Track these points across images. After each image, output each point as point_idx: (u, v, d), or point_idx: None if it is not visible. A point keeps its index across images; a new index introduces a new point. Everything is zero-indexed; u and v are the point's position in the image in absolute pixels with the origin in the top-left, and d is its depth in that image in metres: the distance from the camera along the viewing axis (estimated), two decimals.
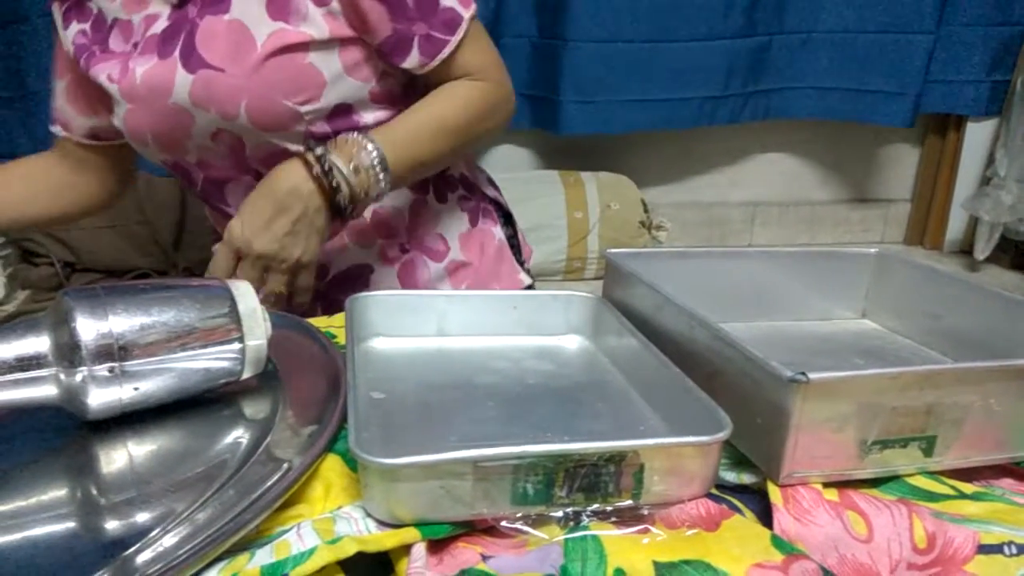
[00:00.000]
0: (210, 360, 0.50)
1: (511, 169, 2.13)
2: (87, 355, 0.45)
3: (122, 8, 0.79)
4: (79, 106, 0.87)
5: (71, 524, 0.41)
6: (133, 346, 0.46)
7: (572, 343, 0.63)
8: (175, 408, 0.50)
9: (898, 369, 0.45)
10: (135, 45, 0.78)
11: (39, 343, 0.46)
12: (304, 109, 0.75)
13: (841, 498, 0.43)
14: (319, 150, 0.72)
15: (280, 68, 0.73)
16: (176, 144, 0.79)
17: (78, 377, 0.45)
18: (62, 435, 0.49)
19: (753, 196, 2.27)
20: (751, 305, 0.71)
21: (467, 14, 0.77)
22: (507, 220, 0.99)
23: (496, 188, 1.00)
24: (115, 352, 0.46)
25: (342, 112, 0.77)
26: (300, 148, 0.77)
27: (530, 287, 0.97)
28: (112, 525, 0.40)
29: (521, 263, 0.98)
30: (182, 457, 0.46)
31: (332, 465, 0.43)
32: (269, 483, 0.40)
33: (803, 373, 0.41)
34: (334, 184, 0.71)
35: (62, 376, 0.45)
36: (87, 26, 0.82)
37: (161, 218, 1.64)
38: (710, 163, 2.22)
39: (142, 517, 0.40)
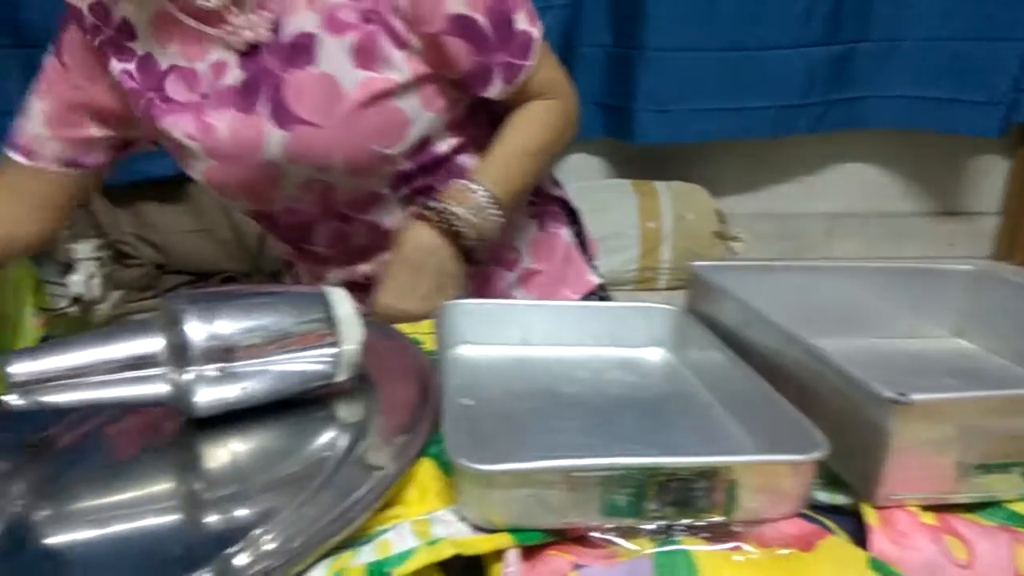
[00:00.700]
0: (307, 363, 0.52)
1: (583, 178, 2.12)
2: (196, 356, 0.47)
3: (180, 55, 0.77)
4: (61, 131, 0.82)
5: (177, 517, 0.43)
6: (238, 348, 0.48)
7: (654, 355, 0.63)
8: (273, 408, 0.52)
9: (1003, 392, 0.43)
10: (203, 96, 0.77)
11: (152, 344, 0.48)
12: (392, 152, 0.77)
13: (939, 522, 0.42)
14: (433, 204, 0.75)
15: (371, 117, 0.74)
16: (264, 195, 0.81)
17: (188, 376, 0.47)
18: (169, 431, 0.51)
19: (833, 207, 2.21)
20: (838, 321, 0.69)
21: (538, 35, 0.78)
22: (573, 217, 0.99)
23: (559, 185, 1.00)
24: (222, 353, 0.48)
25: (422, 146, 0.79)
26: (387, 189, 0.80)
27: (601, 287, 0.98)
28: (215, 520, 0.42)
29: (589, 260, 0.99)
30: (281, 455, 0.48)
31: (426, 469, 0.45)
32: (368, 484, 0.41)
33: (903, 394, 0.40)
34: (459, 231, 0.74)
35: (173, 375, 0.48)
36: (132, 67, 0.79)
37: (247, 223, 1.70)
38: (787, 173, 2.18)
39: (245, 512, 0.42)
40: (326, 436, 0.50)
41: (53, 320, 1.50)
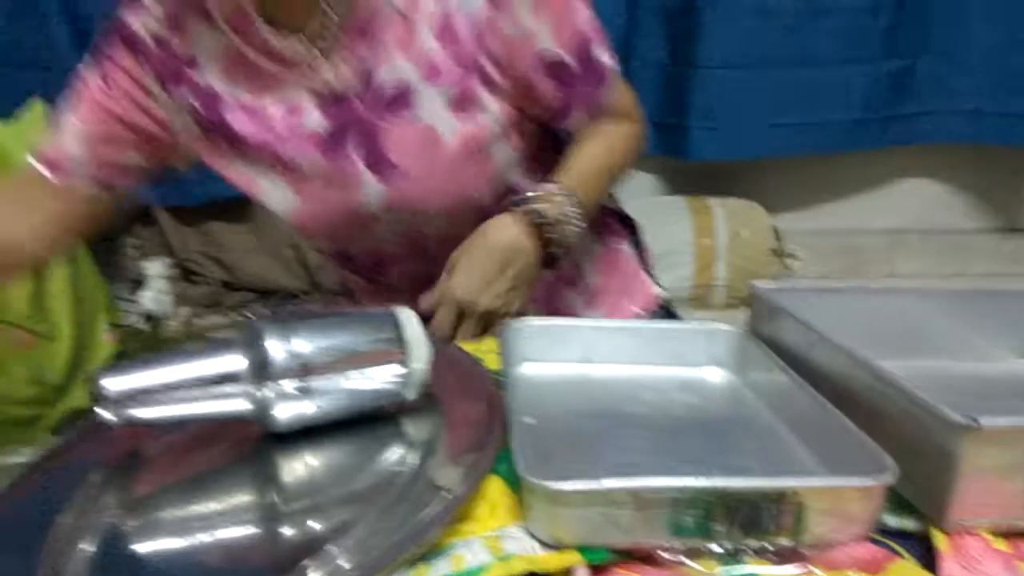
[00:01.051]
0: (378, 381, 0.53)
1: (637, 195, 2.12)
2: (276, 373, 0.49)
3: (244, 90, 0.76)
4: (98, 152, 0.77)
5: (257, 529, 0.45)
6: (314, 366, 0.50)
7: (716, 376, 0.64)
8: (345, 425, 0.54)
9: None
10: (279, 136, 0.76)
11: (235, 362, 0.50)
12: (484, 194, 0.78)
13: (1012, 548, 0.42)
14: (526, 206, 0.74)
15: (469, 165, 0.76)
16: (350, 237, 0.82)
17: (269, 393, 0.49)
18: (249, 445, 0.53)
19: (894, 224, 2.16)
20: (902, 343, 0.68)
21: (614, 64, 0.78)
22: (631, 230, 0.99)
23: (615, 199, 0.99)
24: (299, 370, 0.50)
25: (505, 189, 0.81)
26: (470, 227, 0.77)
27: (666, 300, 0.97)
28: (293, 533, 0.44)
29: (651, 273, 0.99)
30: (354, 472, 0.50)
31: (495, 485, 0.46)
32: (440, 501, 0.43)
33: (974, 418, 0.40)
34: (549, 236, 0.74)
35: (255, 392, 0.50)
36: (194, 99, 0.77)
37: (306, 243, 1.75)
38: (846, 189, 2.15)
39: (321, 526, 0.44)
40: (397, 453, 0.51)
41: (125, 335, 1.56)
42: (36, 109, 1.39)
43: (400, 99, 0.73)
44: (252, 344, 0.50)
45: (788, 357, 0.58)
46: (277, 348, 0.50)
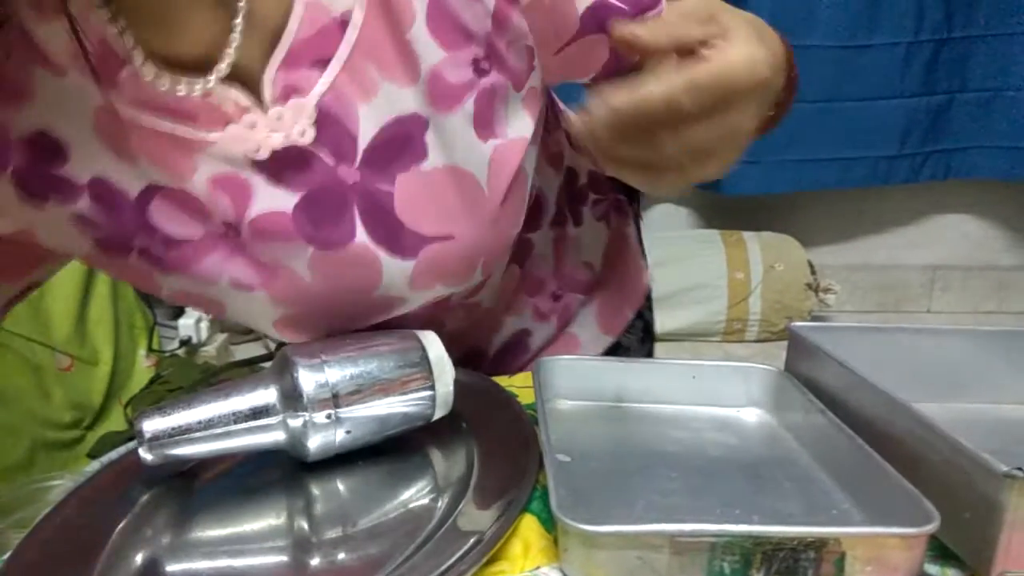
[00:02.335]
0: (407, 404, 0.55)
1: (670, 228, 2.12)
2: (308, 403, 0.51)
3: (156, 170, 0.51)
4: None
5: (286, 558, 0.46)
6: (345, 394, 0.52)
7: (752, 416, 0.63)
8: (378, 455, 0.55)
9: None
10: (228, 228, 0.53)
11: (268, 395, 0.52)
12: (521, 224, 0.60)
13: None
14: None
15: (512, 198, 0.55)
16: (361, 323, 0.61)
17: (300, 423, 0.51)
18: (284, 471, 0.54)
19: (933, 259, 2.13)
20: (944, 385, 0.68)
21: None
22: (630, 195, 0.83)
23: None
24: (331, 400, 0.51)
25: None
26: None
27: (647, 288, 0.86)
28: (323, 564, 0.45)
29: (644, 253, 0.85)
30: (387, 509, 0.50)
31: (529, 524, 0.46)
32: (474, 539, 0.43)
33: (1020, 468, 0.39)
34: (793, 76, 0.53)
35: (288, 423, 0.51)
36: (81, 206, 0.51)
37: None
38: (884, 224, 2.12)
39: (355, 563, 0.44)
40: (431, 489, 0.52)
41: (163, 361, 1.59)
42: None
43: (405, 142, 0.52)
44: (284, 376, 0.52)
45: (826, 398, 0.57)
46: (309, 380, 0.51)
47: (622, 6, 0.53)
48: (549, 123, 0.64)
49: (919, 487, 0.43)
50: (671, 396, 0.64)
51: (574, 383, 0.65)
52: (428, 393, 0.55)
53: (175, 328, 1.61)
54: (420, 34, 0.49)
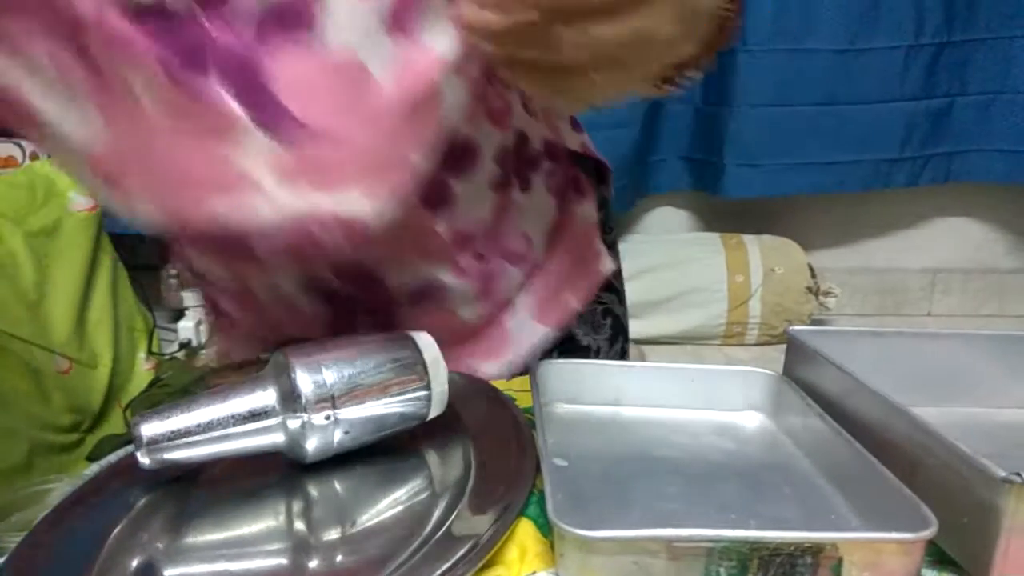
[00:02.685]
0: (402, 405, 0.55)
1: (670, 231, 2.12)
2: (307, 404, 0.51)
3: None
4: None
5: (283, 561, 0.46)
6: (342, 395, 0.52)
7: (751, 421, 0.63)
8: (375, 455, 0.55)
9: None
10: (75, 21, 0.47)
11: (266, 397, 0.52)
12: (419, 162, 0.52)
13: None
14: None
15: (422, 120, 0.51)
16: (177, 191, 0.52)
17: (299, 425, 0.51)
18: (278, 477, 0.54)
19: (933, 262, 2.13)
20: (943, 389, 0.68)
21: None
22: (599, 175, 0.78)
23: (581, 130, 0.76)
24: (329, 401, 0.51)
25: None
26: None
27: (615, 275, 0.80)
28: (318, 568, 0.45)
29: (607, 239, 0.79)
30: (383, 511, 0.50)
31: (525, 529, 0.46)
32: (469, 544, 0.43)
33: (1018, 473, 0.39)
34: None
35: (286, 425, 0.51)
36: None
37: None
38: (884, 227, 2.12)
39: (350, 564, 0.44)
40: (427, 495, 0.51)
41: (162, 364, 1.58)
42: None
43: (289, 12, 0.46)
44: (281, 378, 0.52)
45: (825, 402, 0.57)
46: (306, 381, 0.51)
47: None
48: (493, 78, 0.59)
49: (917, 492, 0.43)
50: (670, 400, 0.64)
51: (572, 386, 0.65)
52: (423, 393, 0.55)
53: (175, 331, 1.61)
54: None
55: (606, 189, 0.79)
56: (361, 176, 0.49)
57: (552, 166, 0.71)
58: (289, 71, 0.46)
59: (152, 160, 0.49)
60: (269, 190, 0.48)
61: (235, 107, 0.46)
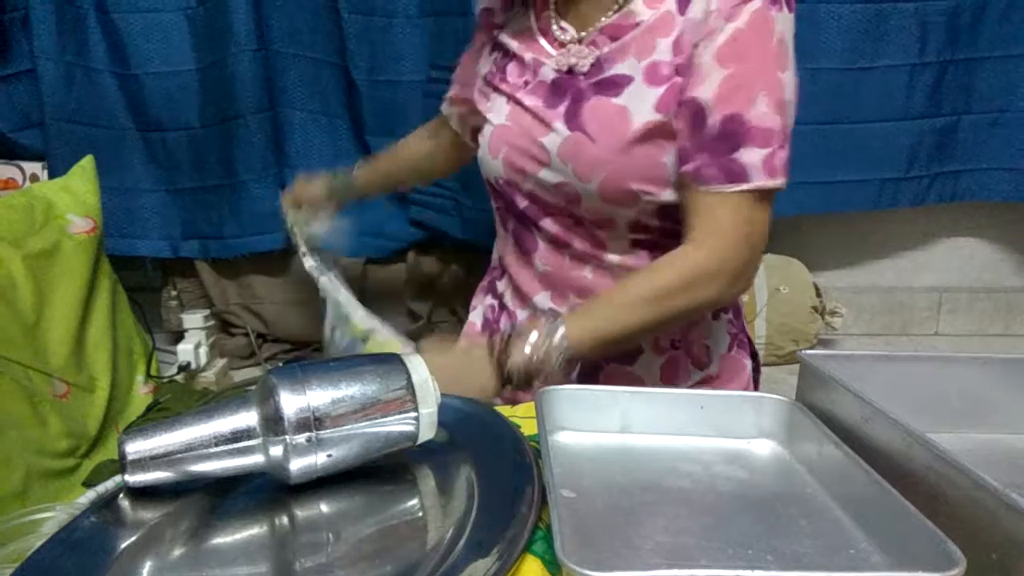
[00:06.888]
0: (390, 427, 0.54)
1: None
2: (289, 427, 0.50)
3: (519, 48, 0.91)
4: (457, 94, 1.07)
5: None
6: (327, 417, 0.51)
7: (763, 448, 0.61)
8: (372, 482, 0.54)
9: None
10: (526, 82, 0.89)
11: (249, 418, 0.52)
12: (646, 198, 0.81)
13: None
14: (505, 334, 0.77)
15: (643, 155, 0.80)
16: (520, 173, 0.88)
17: (281, 446, 0.50)
18: (265, 496, 0.53)
19: (940, 281, 2.11)
20: (959, 414, 0.66)
21: (760, 182, 0.77)
22: (752, 356, 1.01)
23: (746, 332, 1.02)
24: (312, 423, 0.51)
25: (669, 209, 0.82)
26: (624, 226, 0.85)
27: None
28: None
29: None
30: (386, 547, 0.48)
31: (531, 567, 0.44)
32: None
33: None
34: (505, 375, 0.76)
35: (269, 446, 0.50)
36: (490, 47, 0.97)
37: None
38: (891, 246, 2.10)
39: None
40: (432, 529, 0.50)
41: (160, 387, 1.56)
42: (86, 162, 1.43)
43: (615, 85, 0.81)
44: (267, 399, 0.51)
45: (840, 429, 0.55)
46: (290, 402, 0.50)
47: (712, 123, 0.77)
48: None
49: (940, 525, 0.41)
50: (678, 427, 0.62)
51: (578, 413, 0.63)
52: (412, 415, 0.54)
53: (174, 353, 1.59)
54: (665, 50, 0.80)
55: (756, 364, 1.02)
56: (597, 164, 0.82)
57: (733, 317, 0.98)
58: (596, 105, 0.84)
59: (511, 133, 0.89)
60: (551, 156, 0.85)
61: (560, 111, 0.86)
